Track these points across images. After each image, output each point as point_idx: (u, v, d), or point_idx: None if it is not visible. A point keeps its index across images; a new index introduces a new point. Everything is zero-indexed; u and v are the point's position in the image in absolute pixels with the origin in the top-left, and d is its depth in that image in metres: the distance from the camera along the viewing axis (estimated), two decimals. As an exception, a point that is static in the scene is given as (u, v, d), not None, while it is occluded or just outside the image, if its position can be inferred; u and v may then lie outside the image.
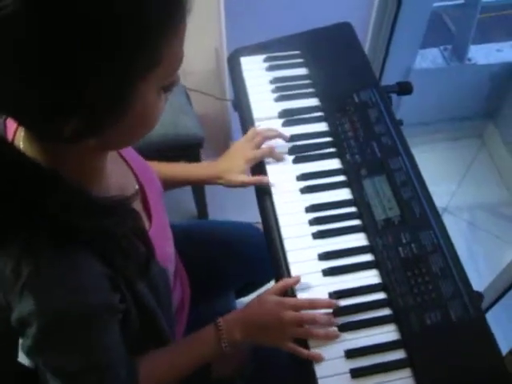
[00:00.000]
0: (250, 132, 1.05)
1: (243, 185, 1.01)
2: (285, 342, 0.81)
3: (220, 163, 1.04)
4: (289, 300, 0.84)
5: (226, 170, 1.01)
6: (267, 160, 1.03)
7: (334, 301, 0.84)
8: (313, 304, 0.83)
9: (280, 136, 1.04)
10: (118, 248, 0.64)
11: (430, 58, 1.99)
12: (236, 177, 1.00)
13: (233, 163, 1.02)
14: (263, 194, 0.99)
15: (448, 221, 1.96)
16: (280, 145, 1.04)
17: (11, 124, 0.65)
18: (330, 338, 0.81)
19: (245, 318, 0.84)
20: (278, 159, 1.02)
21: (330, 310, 0.84)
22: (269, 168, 1.02)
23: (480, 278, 1.53)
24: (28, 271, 0.58)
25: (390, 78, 1.28)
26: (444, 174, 2.10)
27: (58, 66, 0.46)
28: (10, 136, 0.64)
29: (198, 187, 1.68)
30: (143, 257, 0.69)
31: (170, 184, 1.02)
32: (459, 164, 2.15)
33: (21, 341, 0.64)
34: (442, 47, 2.02)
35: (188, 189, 1.72)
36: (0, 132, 0.65)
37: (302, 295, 0.86)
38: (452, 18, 2.43)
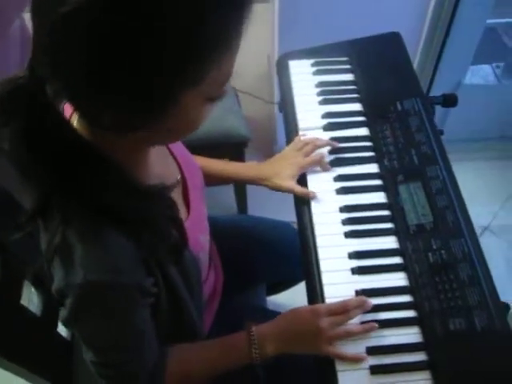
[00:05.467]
0: (297, 140, 1.07)
1: (290, 191, 1.01)
2: (324, 347, 0.81)
3: (268, 166, 1.06)
4: (322, 307, 0.84)
5: (275, 173, 1.03)
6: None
7: (364, 298, 0.84)
8: (346, 306, 0.83)
9: (329, 144, 1.06)
10: (151, 231, 0.66)
11: (481, 74, 1.97)
12: (285, 181, 1.01)
13: (283, 168, 1.03)
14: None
15: (489, 240, 1.94)
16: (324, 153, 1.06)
17: (68, 108, 0.71)
18: (369, 331, 0.82)
19: (279, 330, 0.84)
20: (326, 169, 1.04)
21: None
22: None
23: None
24: (67, 248, 0.62)
25: (438, 91, 1.29)
26: (487, 193, 2.06)
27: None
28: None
29: (240, 184, 1.72)
30: (175, 243, 0.71)
31: (214, 180, 1.05)
32: (504, 184, 2.11)
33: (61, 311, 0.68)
34: (494, 64, 2.00)
35: (230, 184, 1.77)
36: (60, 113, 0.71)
37: (329, 290, 0.88)
38: (508, 35, 2.39)
